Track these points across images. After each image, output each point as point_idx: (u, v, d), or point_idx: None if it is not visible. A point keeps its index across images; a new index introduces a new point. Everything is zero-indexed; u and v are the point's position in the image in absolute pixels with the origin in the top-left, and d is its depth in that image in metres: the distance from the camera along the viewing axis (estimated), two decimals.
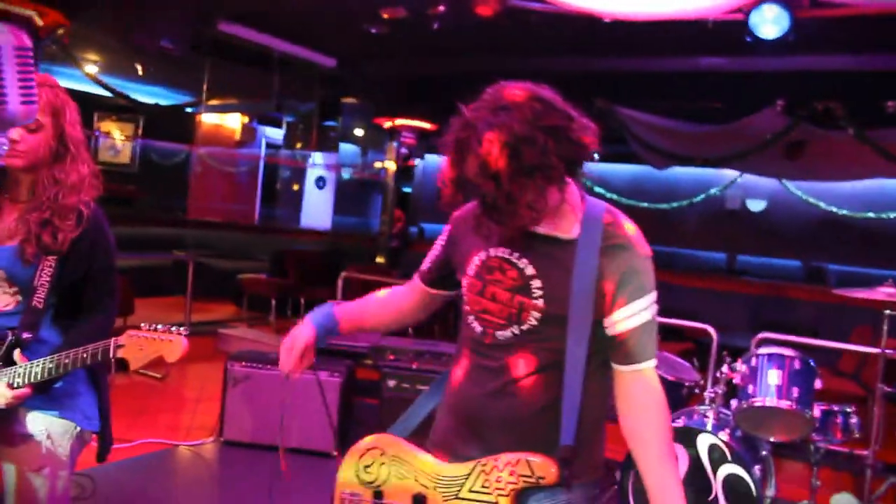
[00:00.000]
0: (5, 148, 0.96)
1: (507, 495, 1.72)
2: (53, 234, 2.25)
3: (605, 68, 7.99)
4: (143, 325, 2.10)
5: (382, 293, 2.18)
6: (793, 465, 5.20)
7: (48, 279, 2.28)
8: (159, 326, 2.10)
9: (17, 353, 2.22)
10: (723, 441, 3.74)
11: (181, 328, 2.08)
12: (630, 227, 1.81)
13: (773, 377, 3.94)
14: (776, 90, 7.47)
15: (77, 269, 2.34)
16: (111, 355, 2.09)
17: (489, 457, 1.77)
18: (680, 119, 7.91)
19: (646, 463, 1.78)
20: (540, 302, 1.76)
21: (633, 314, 1.75)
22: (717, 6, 5.07)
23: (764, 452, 4.02)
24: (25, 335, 2.25)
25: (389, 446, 1.90)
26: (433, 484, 1.81)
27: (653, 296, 1.78)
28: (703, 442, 3.80)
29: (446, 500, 1.78)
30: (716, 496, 3.72)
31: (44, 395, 2.27)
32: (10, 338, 2.24)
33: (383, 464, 1.87)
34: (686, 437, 3.85)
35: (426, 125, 9.92)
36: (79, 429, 2.39)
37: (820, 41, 6.59)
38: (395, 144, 10.72)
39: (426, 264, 2.07)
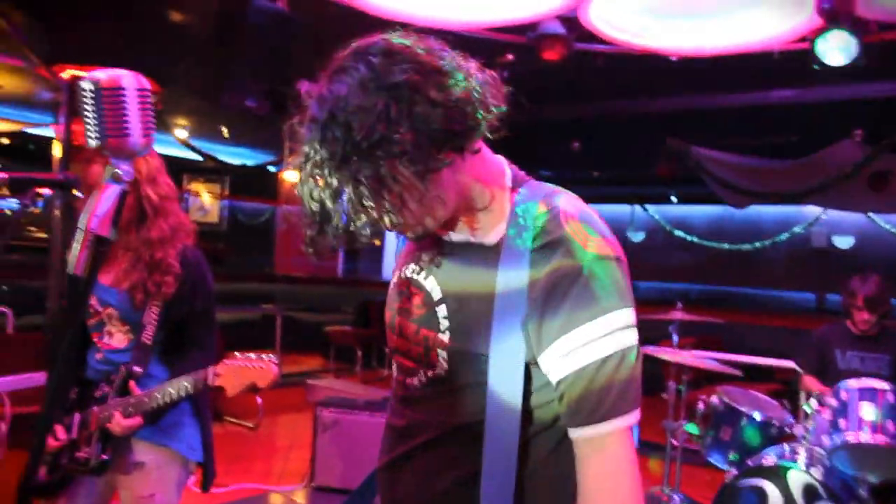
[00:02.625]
0: (130, 175, 1.12)
1: None
2: (157, 285, 2.44)
3: (676, 107, 8.00)
4: (236, 353, 2.23)
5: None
6: None
7: (155, 318, 2.47)
8: (251, 355, 2.23)
9: (131, 384, 2.41)
10: (816, 479, 3.64)
11: (271, 357, 2.20)
12: (573, 216, 1.24)
13: (867, 412, 3.83)
14: (852, 119, 7.33)
15: (180, 310, 2.52)
16: (210, 383, 2.24)
17: None
18: (754, 155, 7.83)
19: None
20: (446, 336, 1.27)
21: (574, 348, 1.17)
22: (780, 35, 5.06)
23: (862, 492, 3.89)
24: (136, 369, 2.45)
25: None
26: None
27: (615, 318, 1.19)
28: (795, 479, 3.70)
29: None
30: None
31: (153, 425, 2.45)
32: (123, 372, 2.43)
33: None
34: (776, 474, 3.76)
35: None
36: (185, 458, 2.55)
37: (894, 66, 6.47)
38: None
39: None
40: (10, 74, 7.63)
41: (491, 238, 1.28)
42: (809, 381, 4.59)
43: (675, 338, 4.78)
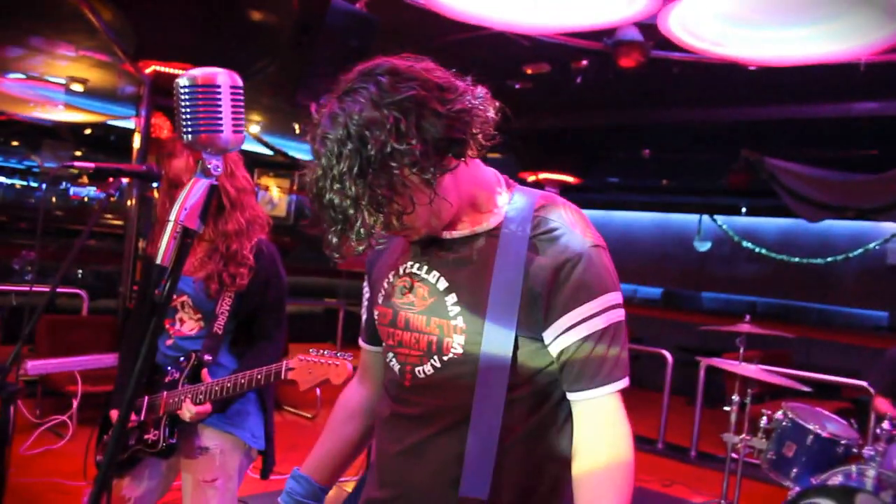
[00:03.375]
0: (219, 169, 1.16)
1: None
2: (231, 276, 2.51)
3: (752, 118, 7.84)
4: (311, 350, 2.28)
5: (337, 406, 1.75)
6: None
7: (227, 309, 2.53)
8: (326, 352, 2.26)
9: (204, 372, 2.47)
10: (885, 503, 3.54)
11: (346, 355, 2.24)
12: (570, 212, 1.41)
13: None
14: None
15: (252, 301, 2.58)
16: (283, 377, 2.29)
17: None
18: (832, 168, 7.63)
19: (584, 493, 1.34)
20: (459, 322, 1.38)
21: (576, 323, 1.34)
22: (867, 45, 4.91)
23: None
24: (207, 357, 2.52)
25: None
26: None
27: (609, 298, 1.36)
28: (862, 502, 3.60)
29: None
30: None
31: (220, 413, 2.51)
32: (193, 359, 2.50)
33: None
34: (843, 495, 3.67)
35: (569, 178, 10.00)
36: (247, 446, 2.61)
37: None
38: None
39: (363, 321, 1.69)
40: (96, 68, 7.89)
41: (491, 223, 1.42)
42: (881, 403, 4.44)
43: (742, 350, 4.69)
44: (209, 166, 1.16)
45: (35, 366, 4.92)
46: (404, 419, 1.46)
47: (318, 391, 6.56)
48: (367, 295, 1.63)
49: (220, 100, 1.14)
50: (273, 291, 2.62)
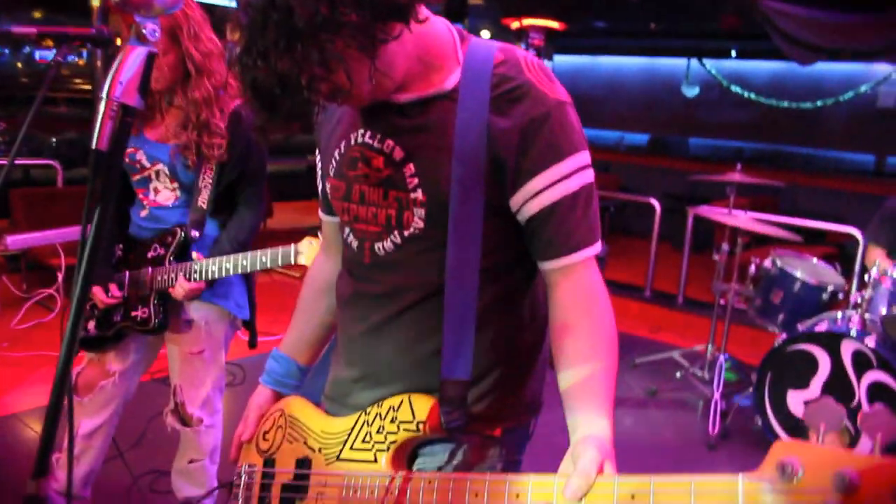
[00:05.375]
0: (157, 34, 1.00)
1: (386, 450, 1.29)
2: (209, 147, 2.38)
3: None
4: (319, 233, 2.19)
5: (306, 284, 1.69)
6: None
7: (211, 182, 2.43)
8: None
9: (194, 253, 2.42)
10: (868, 347, 3.59)
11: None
12: (532, 66, 1.26)
13: None
14: None
15: (234, 171, 2.48)
16: (292, 261, 2.22)
17: (375, 404, 1.36)
18: (828, 9, 7.32)
19: (568, 360, 1.24)
20: (419, 194, 1.26)
21: (546, 187, 1.23)
22: None
23: None
24: (194, 233, 2.44)
25: (290, 407, 1.53)
26: (318, 444, 1.41)
27: (579, 158, 1.24)
28: (847, 348, 3.66)
29: (328, 463, 1.37)
30: (859, 402, 3.59)
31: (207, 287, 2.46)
32: (179, 234, 2.42)
33: (280, 427, 1.51)
34: (828, 341, 3.72)
35: (554, 24, 9.66)
36: (232, 315, 2.59)
37: None
38: (522, 46, 10.50)
39: (319, 191, 1.56)
40: None
41: (446, 85, 1.26)
42: (876, 254, 4.40)
43: (731, 199, 4.63)
44: (144, 31, 1.00)
45: (15, 240, 4.83)
46: (368, 297, 1.37)
47: None
48: (319, 166, 1.50)
49: None
50: (254, 159, 2.51)
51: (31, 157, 7.48)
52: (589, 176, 1.27)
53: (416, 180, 1.26)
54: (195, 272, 2.37)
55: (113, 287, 2.49)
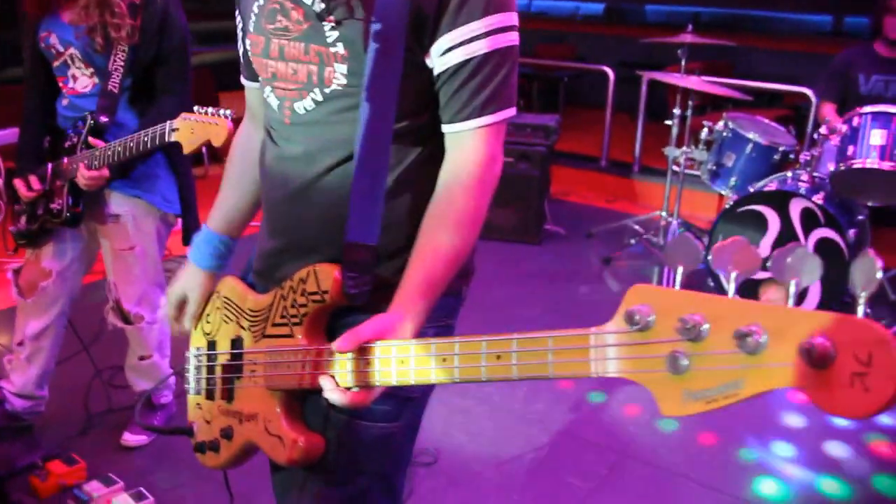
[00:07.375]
0: None
1: (300, 324, 1.25)
2: (115, 27, 2.27)
3: None
4: (196, 108, 2.08)
5: (231, 156, 1.59)
6: (893, 233, 5.01)
7: (122, 64, 2.32)
8: (210, 110, 2.06)
9: (90, 139, 2.33)
10: (816, 205, 3.61)
11: (227, 112, 2.03)
12: None
13: (876, 137, 3.70)
14: None
15: (147, 53, 2.37)
16: (166, 139, 2.11)
17: (289, 279, 1.29)
18: None
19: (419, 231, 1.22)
20: (340, 48, 1.19)
21: (455, 45, 1.15)
22: None
23: (860, 217, 3.88)
24: (103, 119, 2.34)
25: (225, 287, 1.48)
26: (248, 323, 1.37)
27: (498, 18, 1.16)
28: (796, 206, 3.68)
29: (256, 340, 1.34)
30: None
31: (124, 178, 2.40)
32: (89, 120, 2.32)
33: (218, 309, 1.47)
34: (777, 200, 3.74)
35: None
36: (161, 211, 2.51)
37: None
38: None
39: (240, 54, 1.50)
40: None
41: None
42: (826, 110, 4.38)
43: (683, 62, 4.54)
44: None
45: None
46: (288, 161, 1.31)
47: (203, 149, 6.33)
48: (239, 24, 1.41)
49: None
50: (169, 40, 2.38)
51: None
52: (508, 38, 1.18)
53: (335, 34, 1.19)
54: (96, 159, 2.28)
55: (33, 179, 2.42)
